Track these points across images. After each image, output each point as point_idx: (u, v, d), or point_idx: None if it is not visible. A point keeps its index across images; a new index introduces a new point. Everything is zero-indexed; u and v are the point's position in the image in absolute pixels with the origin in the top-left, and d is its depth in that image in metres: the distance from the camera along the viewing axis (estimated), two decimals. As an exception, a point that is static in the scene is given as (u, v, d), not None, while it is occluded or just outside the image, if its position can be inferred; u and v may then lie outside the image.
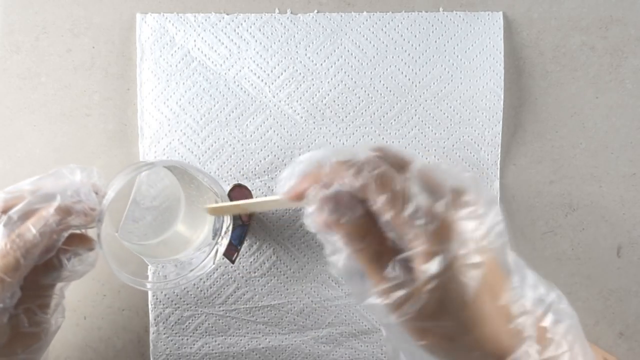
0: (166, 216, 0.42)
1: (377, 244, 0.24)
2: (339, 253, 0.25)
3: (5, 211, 0.29)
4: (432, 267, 0.22)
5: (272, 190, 0.46)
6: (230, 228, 0.38)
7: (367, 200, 0.24)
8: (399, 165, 0.25)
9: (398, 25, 0.46)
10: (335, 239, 0.25)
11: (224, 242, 0.38)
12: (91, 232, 0.32)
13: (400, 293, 0.23)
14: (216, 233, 0.38)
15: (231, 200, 0.43)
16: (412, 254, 0.23)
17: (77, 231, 0.32)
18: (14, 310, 0.30)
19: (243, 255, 0.46)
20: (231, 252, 0.44)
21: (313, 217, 0.25)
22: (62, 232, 0.30)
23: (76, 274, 0.32)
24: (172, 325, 0.47)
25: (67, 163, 0.46)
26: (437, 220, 0.23)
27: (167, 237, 0.41)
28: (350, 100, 0.46)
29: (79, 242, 0.31)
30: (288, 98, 0.46)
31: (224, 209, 0.35)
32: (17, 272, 0.28)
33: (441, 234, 0.23)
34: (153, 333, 0.47)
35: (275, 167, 0.46)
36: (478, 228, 0.23)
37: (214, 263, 0.37)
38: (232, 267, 0.46)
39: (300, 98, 0.46)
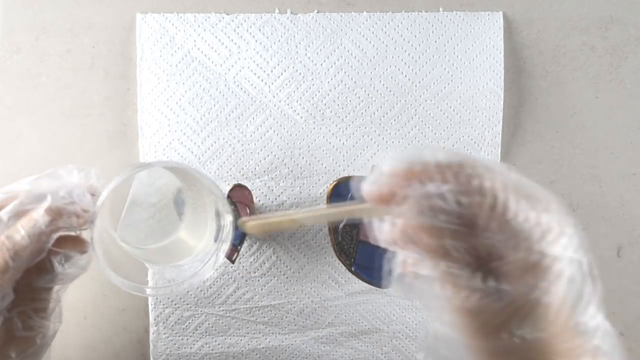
0: (166, 215, 0.42)
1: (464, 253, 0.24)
2: (409, 267, 0.25)
3: None
4: (522, 288, 0.23)
5: (272, 190, 0.46)
6: (231, 234, 0.37)
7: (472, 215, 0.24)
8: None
9: (398, 25, 0.46)
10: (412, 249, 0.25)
11: (223, 248, 0.37)
12: (87, 234, 0.32)
13: (486, 301, 0.24)
14: (217, 239, 0.38)
15: (230, 200, 0.43)
16: (507, 276, 0.24)
17: (71, 233, 0.31)
18: (8, 314, 0.29)
19: (243, 255, 0.46)
20: (231, 252, 0.44)
21: (402, 218, 0.24)
22: (52, 233, 0.29)
23: (68, 277, 0.31)
24: (172, 325, 0.47)
25: (67, 163, 0.46)
26: (537, 255, 0.23)
27: (168, 242, 0.41)
28: (350, 100, 0.46)
29: (72, 244, 0.31)
30: (288, 98, 0.46)
31: (265, 225, 0.30)
32: (5, 275, 0.28)
33: (537, 268, 0.23)
34: (153, 333, 0.47)
35: (275, 167, 0.46)
36: (570, 263, 0.24)
37: (213, 269, 0.37)
38: (232, 267, 0.46)
39: (300, 98, 0.46)
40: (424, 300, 0.26)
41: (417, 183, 0.24)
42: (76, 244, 0.31)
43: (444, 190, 0.23)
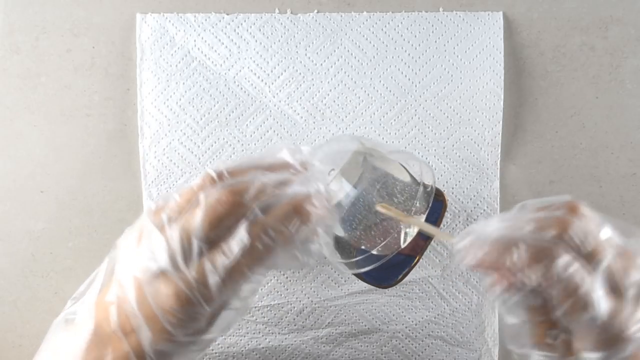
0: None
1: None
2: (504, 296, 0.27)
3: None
4: (592, 357, 0.25)
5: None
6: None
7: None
8: (587, 251, 0.25)
9: (398, 25, 0.46)
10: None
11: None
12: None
13: None
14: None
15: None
16: (578, 346, 0.25)
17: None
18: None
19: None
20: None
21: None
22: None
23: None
24: (172, 325, 0.47)
25: (67, 163, 0.46)
26: (612, 329, 0.24)
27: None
28: (350, 100, 0.46)
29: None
30: (288, 98, 0.46)
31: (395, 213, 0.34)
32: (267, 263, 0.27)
33: (612, 338, 0.24)
34: (153, 333, 0.47)
35: (275, 167, 0.46)
36: None
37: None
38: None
39: (300, 98, 0.46)
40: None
41: (503, 274, 0.26)
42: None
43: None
